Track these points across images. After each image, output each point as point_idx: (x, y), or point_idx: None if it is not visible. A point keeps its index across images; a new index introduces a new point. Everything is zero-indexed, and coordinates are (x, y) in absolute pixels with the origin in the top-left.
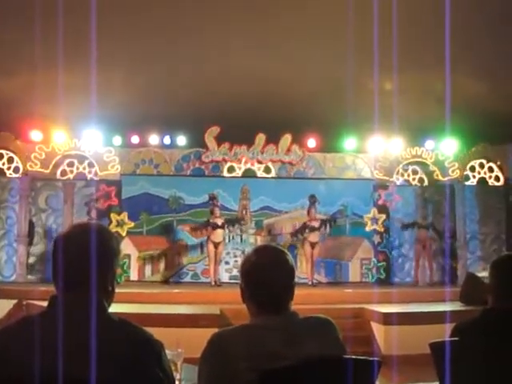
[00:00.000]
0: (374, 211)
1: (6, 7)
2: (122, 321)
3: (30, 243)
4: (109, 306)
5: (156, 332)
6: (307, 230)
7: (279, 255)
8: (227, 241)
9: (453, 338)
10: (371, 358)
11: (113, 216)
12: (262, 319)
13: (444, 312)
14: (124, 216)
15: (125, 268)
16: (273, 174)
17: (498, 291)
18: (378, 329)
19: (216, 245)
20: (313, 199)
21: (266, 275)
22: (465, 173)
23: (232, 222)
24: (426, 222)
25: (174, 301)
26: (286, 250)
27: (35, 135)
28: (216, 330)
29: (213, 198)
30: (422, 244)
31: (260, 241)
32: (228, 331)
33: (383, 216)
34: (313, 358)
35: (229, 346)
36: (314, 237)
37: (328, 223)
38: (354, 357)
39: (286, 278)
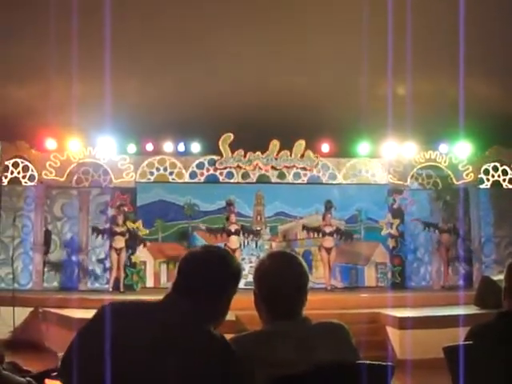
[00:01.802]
0: (388, 216)
1: (20, 17)
2: (216, 336)
3: (47, 252)
4: (215, 320)
5: None
6: (320, 235)
7: (293, 261)
8: (242, 247)
9: (467, 342)
10: (384, 363)
11: (128, 223)
12: (275, 325)
13: (459, 316)
14: (139, 223)
15: (141, 275)
16: (287, 179)
17: None
18: (393, 333)
19: (233, 251)
20: (329, 205)
21: (279, 281)
22: (479, 176)
23: (247, 232)
24: (449, 226)
25: None
26: (299, 256)
27: (50, 144)
28: (231, 335)
29: (230, 204)
30: (446, 248)
31: (275, 246)
32: (241, 338)
33: (398, 220)
34: (325, 364)
35: (242, 353)
36: (328, 242)
37: (342, 235)
38: (366, 362)
39: (299, 283)
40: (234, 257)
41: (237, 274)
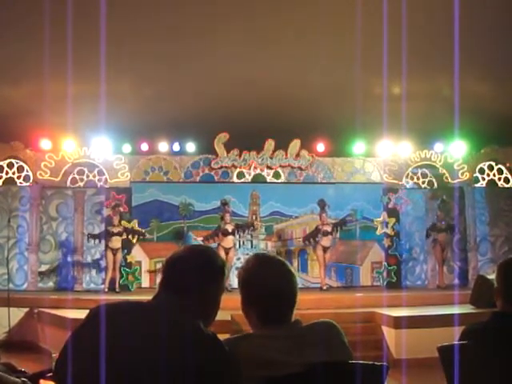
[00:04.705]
0: (384, 215)
1: (14, 16)
2: (207, 333)
3: None
4: (206, 317)
5: None
6: (320, 235)
7: (280, 264)
8: (238, 246)
9: (461, 342)
10: (378, 363)
11: (123, 223)
12: (266, 329)
13: (455, 315)
14: (134, 223)
15: (136, 275)
16: (282, 179)
17: (506, 294)
18: (388, 332)
19: (227, 251)
20: (322, 203)
21: (268, 287)
22: (474, 175)
23: (243, 227)
24: (444, 225)
25: None
26: (284, 260)
27: (45, 144)
28: (227, 335)
29: (224, 203)
30: (441, 247)
31: (270, 246)
32: (233, 340)
33: (393, 219)
34: (318, 365)
35: (234, 354)
36: (326, 241)
37: (339, 226)
38: (360, 362)
39: (289, 287)
40: (217, 254)
41: (221, 269)
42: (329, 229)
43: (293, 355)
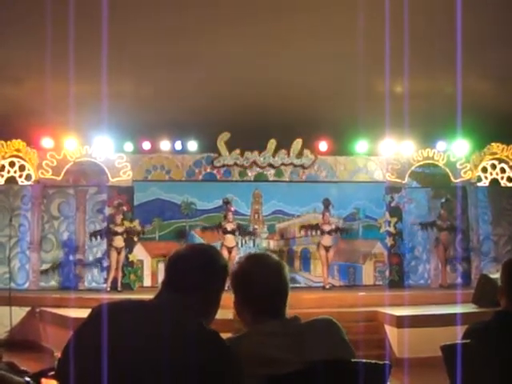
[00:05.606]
0: (386, 214)
1: (16, 16)
2: (209, 331)
3: None
4: (207, 315)
5: None
6: (319, 233)
7: (272, 261)
8: (240, 245)
9: (464, 341)
10: (380, 362)
11: (125, 223)
12: (265, 325)
13: (457, 314)
14: (136, 224)
15: (138, 274)
16: (285, 178)
17: (510, 293)
18: (391, 331)
19: (230, 250)
20: (327, 203)
21: (262, 282)
22: (477, 174)
23: (245, 232)
24: (447, 224)
25: None
26: (276, 257)
27: (47, 142)
28: (229, 334)
29: (227, 202)
30: (444, 246)
31: (273, 245)
32: (233, 339)
33: (396, 218)
34: (319, 363)
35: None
36: (327, 240)
37: (340, 232)
38: (362, 360)
39: (282, 282)
40: (219, 253)
41: (223, 268)
42: (327, 229)
43: (292, 353)
